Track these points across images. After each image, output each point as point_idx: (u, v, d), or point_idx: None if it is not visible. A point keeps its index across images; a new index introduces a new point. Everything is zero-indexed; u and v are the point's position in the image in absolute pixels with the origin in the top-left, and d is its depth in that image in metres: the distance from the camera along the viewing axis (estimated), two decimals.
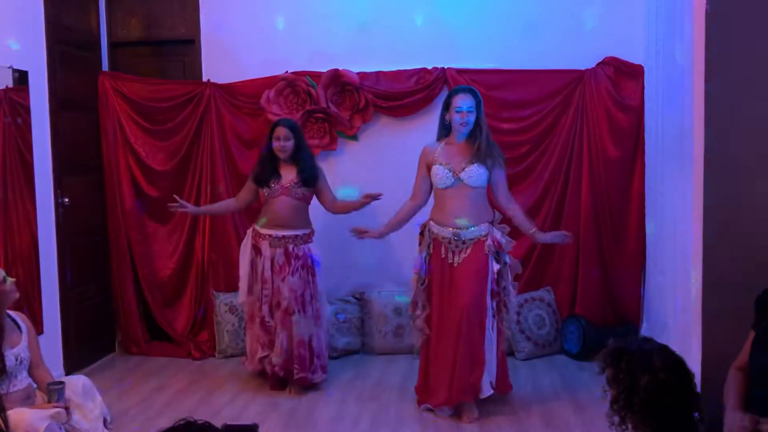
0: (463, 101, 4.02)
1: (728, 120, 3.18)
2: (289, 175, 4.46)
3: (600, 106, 5.02)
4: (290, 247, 4.43)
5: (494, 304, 4.05)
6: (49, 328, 4.55)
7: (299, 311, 4.41)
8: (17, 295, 3.31)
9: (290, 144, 4.44)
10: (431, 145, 4.18)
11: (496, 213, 4.15)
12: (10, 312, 3.32)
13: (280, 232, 4.44)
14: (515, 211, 4.19)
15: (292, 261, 4.42)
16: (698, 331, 3.28)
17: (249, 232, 4.61)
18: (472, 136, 4.06)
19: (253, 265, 4.52)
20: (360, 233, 4.34)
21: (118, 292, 5.34)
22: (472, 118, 4.02)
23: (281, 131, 4.43)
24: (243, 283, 4.58)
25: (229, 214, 5.19)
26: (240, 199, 4.71)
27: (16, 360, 3.21)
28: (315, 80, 5.13)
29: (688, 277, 3.52)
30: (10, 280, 3.26)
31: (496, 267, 4.03)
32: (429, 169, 4.14)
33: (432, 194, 4.21)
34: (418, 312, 4.19)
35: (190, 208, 4.78)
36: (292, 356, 4.43)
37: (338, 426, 4.02)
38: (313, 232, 4.57)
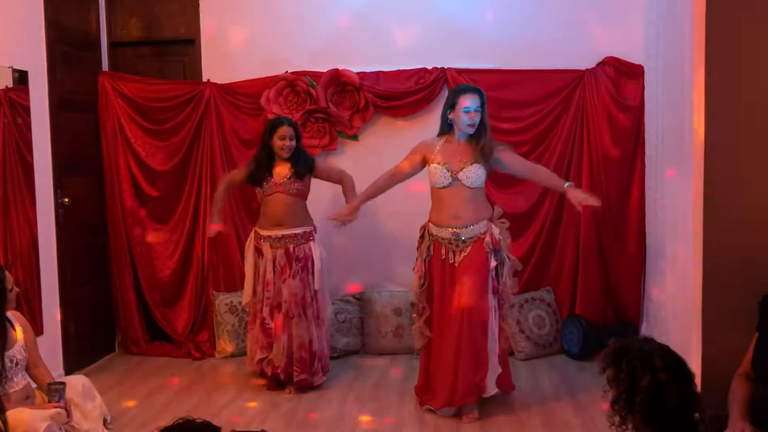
0: (471, 101, 3.98)
1: (728, 119, 3.18)
2: (281, 171, 4.46)
3: (600, 106, 5.02)
4: (291, 247, 4.43)
5: (496, 301, 4.04)
6: (49, 328, 4.56)
7: (300, 314, 4.41)
8: (17, 289, 3.31)
9: (294, 143, 4.46)
10: (431, 140, 4.17)
11: (496, 208, 4.14)
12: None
13: (280, 232, 4.43)
14: (540, 174, 4.19)
15: (293, 263, 4.42)
16: (698, 331, 3.27)
17: (251, 233, 4.61)
18: (475, 135, 4.04)
19: (256, 267, 4.52)
20: (339, 220, 4.22)
21: (118, 292, 5.34)
22: (480, 118, 4.01)
23: (287, 131, 4.43)
24: (248, 285, 4.59)
25: (229, 216, 5.20)
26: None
27: (11, 362, 3.20)
28: (315, 80, 5.13)
29: (689, 277, 3.52)
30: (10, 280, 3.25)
31: (493, 264, 4.01)
32: (423, 162, 4.14)
33: (427, 194, 4.19)
34: (418, 315, 4.18)
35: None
36: (292, 359, 4.43)
37: (338, 426, 4.02)
38: (314, 230, 4.56)
